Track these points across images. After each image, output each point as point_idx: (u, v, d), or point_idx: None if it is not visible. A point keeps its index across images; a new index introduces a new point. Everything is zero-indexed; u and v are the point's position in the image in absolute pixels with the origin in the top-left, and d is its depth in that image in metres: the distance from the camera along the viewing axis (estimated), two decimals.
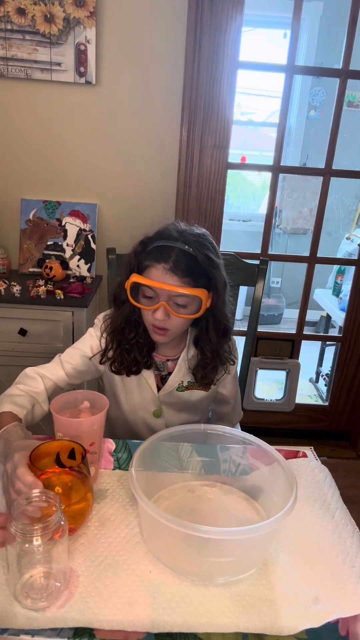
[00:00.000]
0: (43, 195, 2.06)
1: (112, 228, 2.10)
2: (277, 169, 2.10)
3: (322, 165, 2.11)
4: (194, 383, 1.17)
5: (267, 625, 0.68)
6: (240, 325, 2.93)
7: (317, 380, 2.93)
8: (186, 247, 1.02)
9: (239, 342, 1.27)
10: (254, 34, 3.60)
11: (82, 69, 1.89)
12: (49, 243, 2.06)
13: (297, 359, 2.36)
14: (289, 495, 0.76)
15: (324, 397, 2.64)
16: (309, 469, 1.01)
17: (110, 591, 0.71)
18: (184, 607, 0.70)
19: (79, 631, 0.66)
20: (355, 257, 2.27)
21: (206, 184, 2.04)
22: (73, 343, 1.19)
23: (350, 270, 2.43)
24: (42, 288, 1.81)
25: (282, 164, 2.11)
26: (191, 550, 0.73)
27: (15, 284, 1.81)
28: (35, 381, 1.08)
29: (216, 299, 1.06)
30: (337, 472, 1.03)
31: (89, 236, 2.05)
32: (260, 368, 2.36)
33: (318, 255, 2.22)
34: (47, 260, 1.99)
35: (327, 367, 2.80)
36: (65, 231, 2.05)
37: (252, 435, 0.93)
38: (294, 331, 2.34)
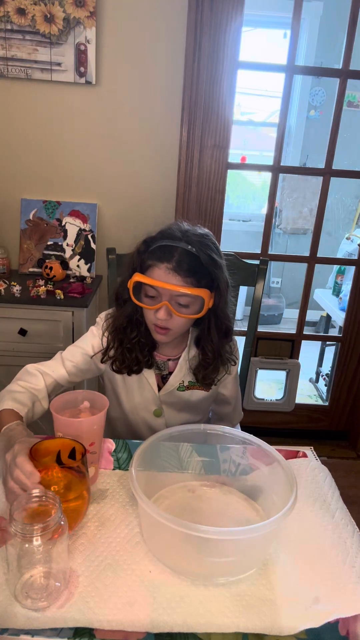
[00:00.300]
0: (43, 195, 2.06)
1: (112, 228, 2.10)
2: (277, 169, 2.10)
3: (322, 165, 2.11)
4: (194, 383, 1.17)
5: (267, 625, 0.68)
6: (241, 325, 2.91)
7: (317, 380, 2.93)
8: (189, 247, 1.02)
9: (239, 342, 1.27)
10: (254, 34, 3.60)
11: (82, 69, 1.89)
12: (49, 243, 2.06)
13: (297, 359, 2.36)
14: (289, 495, 0.76)
15: (324, 397, 2.64)
16: (309, 469, 1.01)
17: (110, 591, 0.71)
18: (184, 607, 0.70)
19: (79, 631, 0.66)
20: (355, 257, 2.27)
21: (206, 184, 2.04)
22: (73, 343, 1.19)
23: (350, 270, 2.43)
24: (42, 288, 1.81)
25: (282, 164, 2.11)
26: (191, 550, 0.73)
27: (15, 284, 1.81)
28: (36, 378, 1.08)
29: (218, 299, 1.06)
30: (337, 472, 1.03)
31: (89, 236, 2.05)
32: (260, 368, 2.36)
33: (318, 255, 2.22)
34: (47, 260, 1.99)
35: (327, 367, 2.80)
36: (65, 231, 2.05)
37: (252, 435, 0.93)
38: (294, 331, 2.34)
